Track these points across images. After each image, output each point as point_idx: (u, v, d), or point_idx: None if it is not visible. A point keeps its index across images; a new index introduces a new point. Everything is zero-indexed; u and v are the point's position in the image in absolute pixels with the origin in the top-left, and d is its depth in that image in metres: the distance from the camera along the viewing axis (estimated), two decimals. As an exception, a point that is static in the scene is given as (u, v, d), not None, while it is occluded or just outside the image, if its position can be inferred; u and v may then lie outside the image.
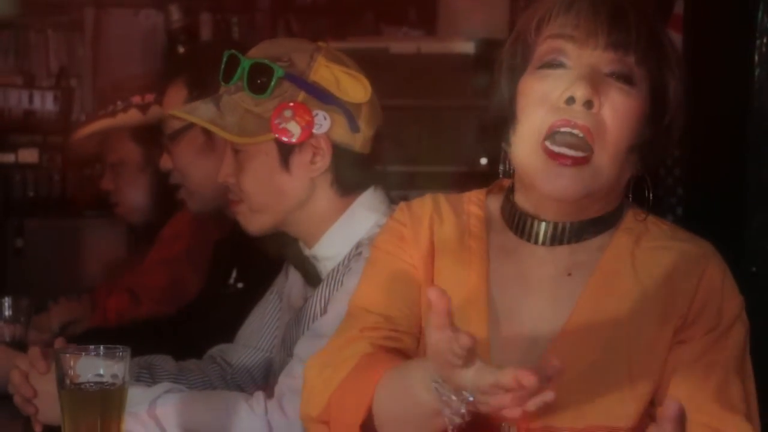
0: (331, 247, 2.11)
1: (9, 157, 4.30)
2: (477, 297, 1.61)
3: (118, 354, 1.67)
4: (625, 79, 1.54)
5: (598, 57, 1.54)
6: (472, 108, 5.08)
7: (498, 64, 1.64)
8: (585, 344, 1.55)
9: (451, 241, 1.65)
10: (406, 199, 2.21)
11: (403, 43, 5.04)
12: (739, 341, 1.58)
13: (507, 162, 1.63)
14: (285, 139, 2.05)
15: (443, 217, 1.67)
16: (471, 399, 1.30)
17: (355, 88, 2.06)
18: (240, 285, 2.69)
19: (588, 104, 1.52)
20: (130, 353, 1.68)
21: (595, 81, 1.52)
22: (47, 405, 2.04)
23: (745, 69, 3.09)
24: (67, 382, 1.65)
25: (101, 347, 1.67)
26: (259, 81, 2.05)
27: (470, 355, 1.27)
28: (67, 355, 1.66)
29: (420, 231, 1.66)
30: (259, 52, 2.11)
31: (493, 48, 5.26)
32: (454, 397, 1.32)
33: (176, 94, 2.58)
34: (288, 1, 5.88)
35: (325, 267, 2.13)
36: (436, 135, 5.15)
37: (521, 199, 1.63)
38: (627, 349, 1.55)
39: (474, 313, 1.60)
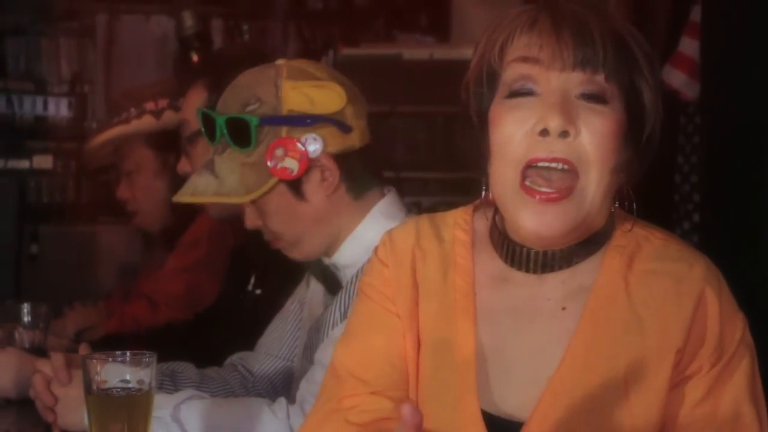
0: (350, 256, 2.12)
1: (24, 163, 4.31)
2: (464, 339, 1.55)
3: (144, 360, 1.67)
4: (598, 99, 1.48)
5: (567, 78, 1.47)
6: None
7: (464, 88, 1.57)
8: (583, 382, 1.49)
9: (434, 280, 1.59)
10: (418, 205, 2.21)
11: (416, 50, 5.04)
12: (745, 366, 1.51)
13: (487, 187, 1.56)
14: (287, 177, 2.05)
15: (426, 251, 1.61)
16: None
17: (330, 98, 2.06)
18: (258, 291, 2.69)
19: (564, 134, 1.45)
20: (156, 359, 1.69)
21: (567, 108, 1.46)
22: (66, 411, 2.06)
23: (761, 75, 3.08)
24: (94, 387, 1.66)
25: (128, 353, 1.67)
26: (240, 135, 2.05)
27: None
28: (94, 360, 1.66)
29: (401, 272, 1.61)
30: (228, 101, 2.09)
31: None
32: None
33: (196, 97, 2.58)
34: (299, 7, 5.88)
35: (344, 275, 2.13)
36: (448, 141, 5.15)
37: (508, 227, 1.56)
38: (625, 385, 1.49)
39: (462, 356, 1.54)
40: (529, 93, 1.49)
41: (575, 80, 1.48)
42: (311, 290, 2.28)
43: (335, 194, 2.09)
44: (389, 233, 1.66)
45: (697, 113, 3.56)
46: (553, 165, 1.46)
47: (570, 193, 1.46)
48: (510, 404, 1.52)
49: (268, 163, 2.03)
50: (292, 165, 2.04)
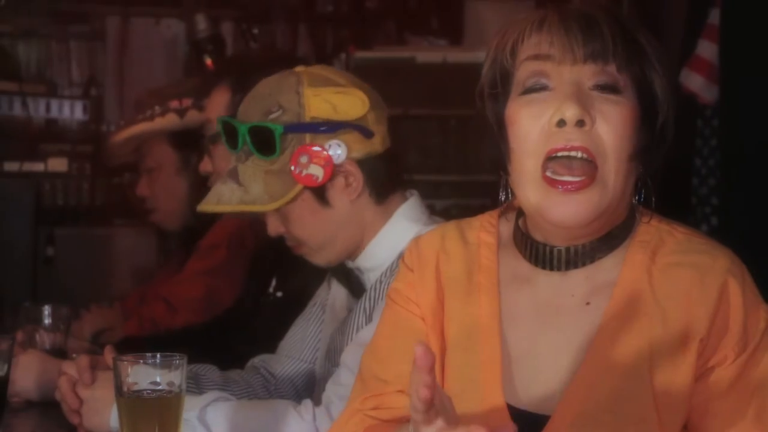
0: (374, 259, 2.13)
1: (38, 166, 4.31)
2: (489, 337, 1.59)
3: (175, 362, 1.68)
4: (611, 89, 1.52)
5: (579, 71, 1.51)
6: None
7: (479, 94, 1.61)
8: (608, 375, 1.52)
9: (459, 280, 1.63)
10: (431, 208, 2.25)
11: (429, 53, 5.05)
12: None
13: (507, 190, 1.60)
14: (312, 184, 2.05)
15: (450, 253, 1.65)
16: None
17: (352, 104, 2.06)
18: (279, 294, 2.69)
19: (580, 123, 1.49)
20: (187, 361, 1.70)
21: (581, 98, 1.50)
22: (91, 414, 2.06)
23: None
24: (125, 389, 1.66)
25: (158, 355, 1.68)
26: (264, 143, 2.05)
27: (431, 413, 1.27)
28: (125, 362, 1.67)
29: (426, 274, 1.65)
30: (249, 109, 2.10)
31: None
32: None
33: (220, 97, 2.59)
34: (310, 10, 5.89)
35: (368, 278, 2.14)
36: (461, 144, 5.16)
37: (531, 227, 1.60)
38: (651, 376, 1.51)
39: (487, 353, 1.58)
40: (543, 88, 1.53)
41: (587, 72, 1.52)
42: (333, 293, 2.28)
43: (359, 199, 2.09)
44: (416, 239, 1.70)
45: (715, 116, 3.56)
46: (573, 154, 1.49)
47: (592, 182, 1.49)
48: (535, 398, 1.54)
49: (293, 171, 2.04)
50: (317, 172, 2.04)
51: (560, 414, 1.51)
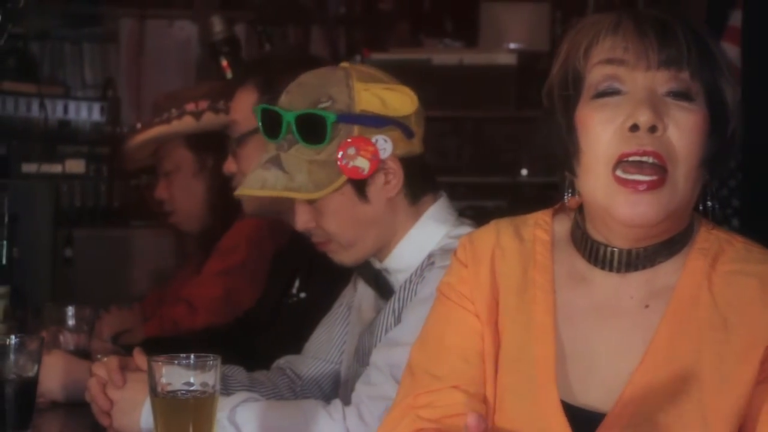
0: (402, 260, 2.13)
1: (56, 168, 4.32)
2: (544, 333, 1.59)
3: (208, 363, 1.68)
4: (684, 96, 1.53)
5: (652, 77, 1.53)
6: (514, 119, 5.11)
7: (547, 92, 1.62)
8: (665, 377, 1.52)
9: (514, 277, 1.64)
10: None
11: (445, 55, 5.06)
12: None
13: (570, 190, 1.61)
14: (357, 176, 2.06)
15: (506, 249, 1.66)
16: None
17: (402, 101, 2.07)
18: (303, 294, 2.70)
19: (652, 129, 1.50)
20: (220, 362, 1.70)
21: (654, 104, 1.51)
22: (121, 415, 2.07)
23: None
24: (159, 390, 1.67)
25: (192, 356, 1.69)
26: (312, 132, 2.05)
27: None
28: (159, 363, 1.68)
29: (481, 270, 1.65)
30: (296, 98, 2.10)
31: (535, 59, 5.30)
32: None
33: (246, 98, 2.59)
34: (322, 12, 5.89)
35: (396, 279, 2.14)
36: (477, 146, 5.17)
37: (591, 228, 1.61)
38: (709, 381, 1.52)
39: (541, 350, 1.58)
40: (615, 92, 1.54)
41: (661, 79, 1.53)
42: (359, 294, 2.29)
43: (395, 198, 2.10)
44: (468, 235, 1.70)
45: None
46: (644, 159, 1.51)
47: (662, 184, 1.50)
48: (591, 397, 1.55)
49: (340, 161, 2.04)
50: (363, 164, 2.05)
51: (616, 413, 1.52)
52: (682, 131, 1.52)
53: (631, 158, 1.50)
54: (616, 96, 1.53)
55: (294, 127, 2.06)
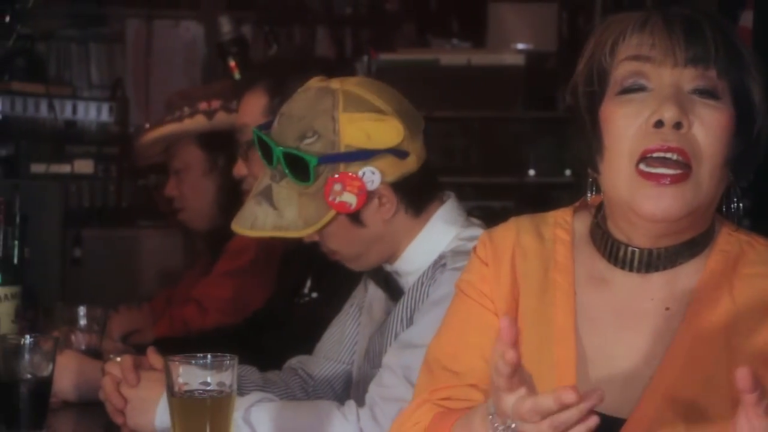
0: (412, 263, 2.13)
1: (65, 168, 4.33)
2: (564, 336, 1.58)
3: (225, 362, 1.68)
4: (710, 94, 1.52)
5: (679, 75, 1.52)
6: (521, 120, 5.12)
7: (572, 88, 1.62)
8: (685, 381, 1.52)
9: (535, 277, 1.63)
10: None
11: (453, 55, 5.06)
12: None
13: (594, 188, 1.60)
14: (345, 210, 2.05)
15: (526, 248, 1.65)
16: (513, 426, 1.31)
17: (387, 134, 2.05)
18: (314, 294, 2.70)
19: (677, 125, 1.50)
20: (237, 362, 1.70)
21: (680, 100, 1.51)
22: (135, 414, 2.07)
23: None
24: (176, 389, 1.67)
25: (209, 356, 1.69)
26: (298, 170, 2.05)
27: (515, 379, 1.28)
28: (176, 363, 1.68)
29: (501, 269, 1.64)
30: (285, 130, 2.09)
31: (543, 60, 5.30)
32: (500, 426, 1.33)
33: (255, 101, 2.59)
34: (329, 12, 5.90)
35: (406, 281, 2.14)
36: (485, 146, 5.17)
37: (611, 226, 1.60)
38: (729, 384, 1.47)
39: (561, 353, 1.57)
40: (641, 89, 1.54)
41: (688, 76, 1.52)
42: (369, 294, 2.29)
43: (394, 217, 2.10)
44: (488, 233, 1.70)
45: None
46: (668, 155, 1.50)
47: (687, 178, 1.50)
48: (610, 401, 1.51)
49: (327, 198, 2.04)
50: (350, 199, 2.04)
51: (636, 418, 1.51)
52: (708, 129, 1.51)
53: (655, 154, 1.50)
54: (642, 92, 1.53)
55: (282, 162, 2.06)
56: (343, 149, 2.04)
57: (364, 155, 2.04)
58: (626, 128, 1.52)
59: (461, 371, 1.61)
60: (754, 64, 1.57)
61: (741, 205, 1.58)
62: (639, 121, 1.52)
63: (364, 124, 2.04)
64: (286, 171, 2.06)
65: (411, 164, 2.08)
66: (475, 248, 1.69)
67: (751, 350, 1.51)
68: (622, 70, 1.55)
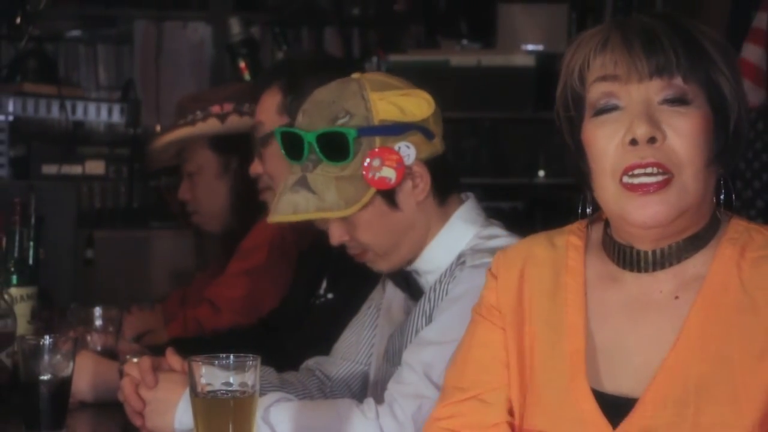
0: (432, 262, 2.14)
1: (76, 169, 4.34)
2: (574, 330, 1.63)
3: (248, 363, 1.69)
4: (680, 101, 1.55)
5: (646, 89, 1.55)
6: (531, 121, 5.12)
7: (556, 115, 1.67)
8: (696, 362, 1.55)
9: (545, 281, 1.68)
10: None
11: (463, 56, 5.07)
12: None
13: (588, 205, 1.66)
14: (386, 186, 2.06)
15: (538, 257, 1.70)
16: None
17: (419, 105, 2.08)
18: (330, 295, 2.70)
19: (651, 140, 1.53)
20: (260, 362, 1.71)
21: (651, 115, 1.54)
22: (154, 415, 2.08)
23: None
24: (199, 390, 1.67)
25: (231, 356, 1.70)
26: (335, 149, 2.06)
27: None
28: (198, 363, 1.68)
29: (510, 276, 1.70)
30: (314, 118, 2.09)
31: (553, 61, 5.31)
32: None
33: (271, 99, 2.60)
34: (338, 13, 5.90)
35: (427, 281, 2.15)
36: (494, 147, 5.17)
37: (616, 235, 1.65)
38: (739, 363, 1.54)
39: (572, 346, 1.62)
40: (613, 108, 1.58)
41: (654, 88, 1.56)
42: (388, 295, 2.29)
43: (425, 201, 2.11)
44: (502, 250, 1.77)
45: (760, 119, 3.57)
46: (648, 170, 1.54)
47: (669, 183, 1.54)
48: (622, 385, 1.59)
49: (367, 175, 2.05)
50: (390, 174, 2.05)
51: (648, 396, 1.55)
52: (682, 137, 1.54)
53: (635, 171, 1.54)
54: (615, 111, 1.57)
55: (316, 147, 2.06)
56: (378, 124, 2.06)
57: (399, 129, 2.06)
58: (605, 148, 1.57)
59: (465, 386, 1.70)
60: (721, 55, 1.58)
61: (733, 197, 1.61)
62: (615, 140, 1.56)
63: (394, 99, 2.06)
64: (321, 155, 2.06)
65: (437, 146, 2.11)
66: (489, 268, 1.75)
67: (759, 327, 1.54)
68: (593, 93, 1.59)
